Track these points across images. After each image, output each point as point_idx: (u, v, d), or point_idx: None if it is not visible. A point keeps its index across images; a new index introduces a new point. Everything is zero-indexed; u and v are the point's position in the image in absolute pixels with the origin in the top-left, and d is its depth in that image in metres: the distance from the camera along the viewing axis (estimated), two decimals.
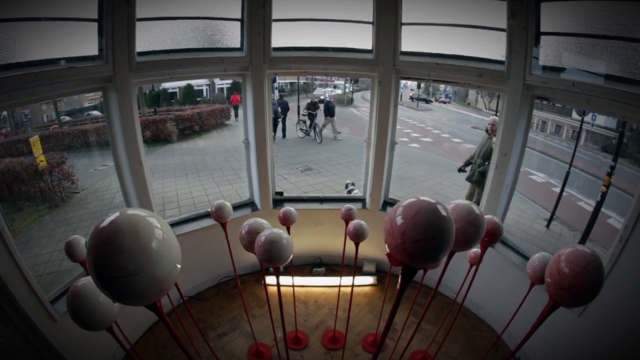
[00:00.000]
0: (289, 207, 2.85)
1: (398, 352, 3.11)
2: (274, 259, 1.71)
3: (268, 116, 3.88)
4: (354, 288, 3.05)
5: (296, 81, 23.11)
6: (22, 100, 2.52)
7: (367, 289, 4.32)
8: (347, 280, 3.55)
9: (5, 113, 8.05)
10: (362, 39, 3.62)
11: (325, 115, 13.42)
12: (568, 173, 7.19)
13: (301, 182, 8.78)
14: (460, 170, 5.58)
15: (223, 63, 3.48)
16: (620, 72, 2.55)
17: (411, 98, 24.59)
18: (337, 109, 19.03)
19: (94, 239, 0.94)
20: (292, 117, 16.56)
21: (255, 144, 3.94)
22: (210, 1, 3.28)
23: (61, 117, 11.47)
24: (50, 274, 4.49)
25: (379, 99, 3.77)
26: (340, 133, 13.66)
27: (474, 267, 2.59)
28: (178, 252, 1.05)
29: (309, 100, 14.05)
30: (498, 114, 4.02)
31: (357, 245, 2.77)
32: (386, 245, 1.11)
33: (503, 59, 3.15)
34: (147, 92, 16.45)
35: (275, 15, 3.42)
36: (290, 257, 1.78)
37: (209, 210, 2.72)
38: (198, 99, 19.30)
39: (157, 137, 12.31)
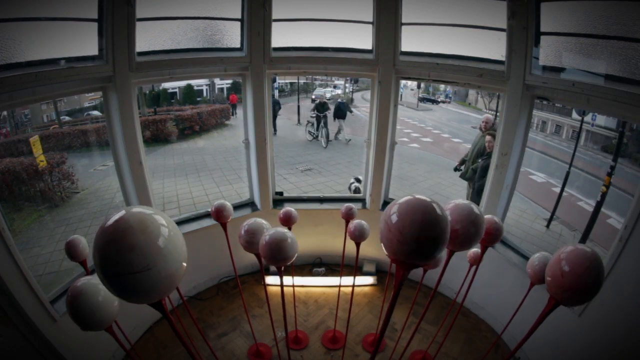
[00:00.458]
0: (289, 208, 2.85)
1: (398, 352, 3.10)
2: (280, 258, 1.71)
3: (268, 116, 3.88)
4: (354, 288, 3.05)
5: (296, 81, 23.10)
6: (22, 100, 2.52)
7: (367, 289, 4.32)
8: (347, 280, 3.55)
9: (5, 113, 8.05)
10: (362, 39, 3.62)
11: (335, 118, 12.53)
12: (568, 173, 7.20)
13: (301, 182, 8.78)
14: (456, 169, 5.61)
15: (223, 63, 3.48)
16: (620, 72, 2.55)
17: (419, 99, 24.53)
18: None
19: (101, 237, 0.94)
20: (292, 117, 16.59)
21: (255, 144, 3.95)
22: (210, 1, 3.28)
23: (61, 117, 11.48)
24: (50, 274, 4.49)
25: (379, 99, 3.77)
26: (350, 140, 12.70)
27: (474, 267, 2.59)
28: (185, 249, 1.07)
29: (317, 101, 13.07)
30: (498, 113, 4.03)
31: (358, 245, 2.77)
32: (382, 245, 1.12)
33: (503, 59, 3.15)
34: (147, 92, 16.46)
35: (275, 15, 3.42)
36: (295, 256, 1.77)
37: (209, 210, 2.72)
38: (198, 99, 19.29)
39: (157, 137, 12.31)
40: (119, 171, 3.33)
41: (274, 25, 3.47)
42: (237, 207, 4.29)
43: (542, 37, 2.91)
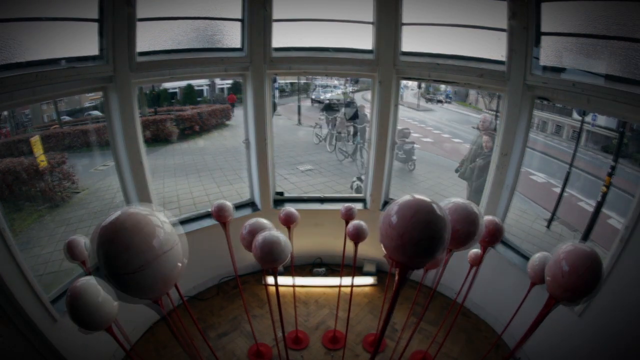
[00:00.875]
0: (290, 208, 2.85)
1: (398, 352, 3.10)
2: (271, 260, 1.71)
3: (268, 116, 3.88)
4: (355, 288, 3.05)
5: (296, 81, 23.07)
6: (22, 100, 2.52)
7: (367, 289, 4.32)
8: (347, 280, 3.55)
9: (5, 113, 8.05)
10: (362, 39, 3.62)
11: (349, 120, 11.23)
12: (568, 173, 7.19)
13: (302, 182, 8.78)
14: (458, 170, 5.62)
15: (223, 63, 3.48)
16: (621, 72, 2.55)
17: (427, 100, 24.47)
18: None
19: (104, 235, 0.95)
20: (292, 117, 16.58)
21: (255, 144, 3.95)
22: (211, 1, 3.28)
23: (62, 117, 11.47)
24: (51, 274, 4.48)
25: (380, 99, 3.77)
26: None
27: (474, 268, 2.59)
28: (179, 249, 1.08)
29: (326, 101, 12.34)
30: (498, 114, 4.03)
31: (356, 245, 2.77)
32: (382, 246, 1.11)
33: (503, 59, 3.14)
34: (148, 92, 16.45)
35: (275, 15, 3.42)
36: (288, 258, 1.77)
37: (210, 210, 2.72)
38: (198, 99, 19.28)
39: (157, 137, 12.30)
40: (119, 171, 3.33)
41: (275, 25, 3.47)
42: (237, 207, 4.28)
43: (543, 37, 2.91)
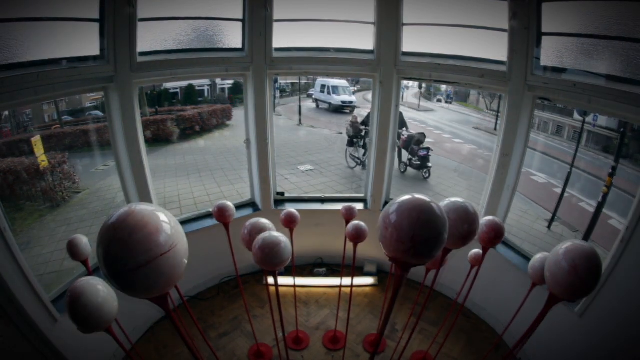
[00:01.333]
0: (291, 209, 2.85)
1: (399, 352, 3.10)
2: (272, 263, 1.71)
3: (269, 116, 3.88)
4: (355, 288, 3.05)
5: (297, 81, 23.05)
6: (24, 100, 2.52)
7: (368, 289, 4.31)
8: (347, 280, 3.54)
9: (6, 113, 8.06)
10: (363, 39, 3.62)
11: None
12: (569, 174, 7.18)
13: (302, 182, 8.78)
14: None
15: (224, 63, 3.48)
16: (622, 72, 2.55)
17: (438, 100, 24.46)
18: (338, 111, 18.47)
19: (106, 233, 0.96)
20: (293, 118, 16.58)
21: (256, 144, 3.95)
22: (212, 1, 3.29)
23: (62, 117, 11.49)
24: (52, 273, 4.49)
25: (380, 100, 3.77)
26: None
27: (475, 268, 2.59)
28: (186, 246, 1.10)
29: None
30: (499, 114, 4.03)
31: (355, 245, 2.77)
32: (381, 244, 1.12)
33: (504, 59, 3.14)
34: (149, 92, 16.47)
35: (276, 15, 3.42)
36: (289, 260, 1.77)
37: (211, 210, 2.73)
38: (199, 99, 19.30)
39: (158, 137, 12.33)
40: (120, 171, 3.33)
41: (275, 25, 3.47)
42: (238, 207, 4.28)
43: (544, 38, 2.91)
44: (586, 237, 5.82)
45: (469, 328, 3.73)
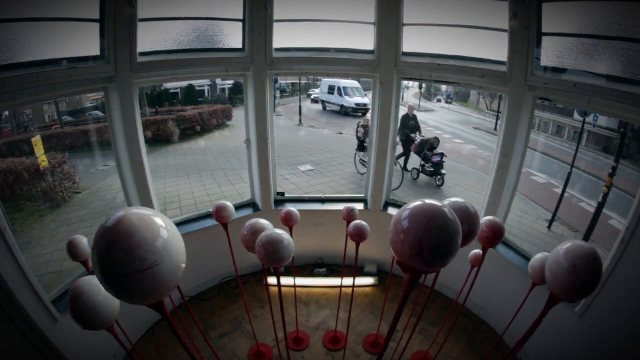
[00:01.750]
0: (290, 207, 2.85)
1: (399, 352, 3.10)
2: (275, 260, 1.72)
3: (269, 117, 3.88)
4: (355, 288, 3.05)
5: (297, 81, 23.04)
6: (24, 100, 2.52)
7: (368, 289, 4.31)
8: (348, 280, 3.55)
9: (7, 113, 8.07)
10: (363, 39, 3.62)
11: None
12: (569, 174, 7.18)
13: (303, 182, 8.78)
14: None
15: (224, 63, 3.48)
16: (622, 72, 2.54)
17: (439, 100, 24.48)
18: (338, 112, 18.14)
19: (104, 237, 0.95)
20: (293, 118, 16.59)
21: (256, 144, 3.95)
22: (212, 1, 3.29)
23: (63, 117, 11.50)
24: (52, 273, 4.50)
25: (381, 100, 3.77)
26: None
27: (475, 268, 2.59)
28: (184, 250, 1.09)
29: (360, 123, 9.46)
30: (499, 114, 4.02)
31: (357, 245, 2.77)
32: (392, 250, 1.10)
33: (504, 59, 3.14)
34: (149, 92, 16.48)
35: (276, 15, 3.42)
36: (291, 257, 1.78)
37: (211, 210, 2.73)
38: (199, 99, 19.32)
39: (158, 137, 12.35)
40: (120, 171, 3.33)
41: (276, 25, 3.47)
42: (238, 207, 4.29)
43: (544, 38, 2.91)
44: (586, 237, 5.82)
45: (469, 328, 3.73)
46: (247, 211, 4.31)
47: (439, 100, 24.88)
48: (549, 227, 6.68)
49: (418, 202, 1.07)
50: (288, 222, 2.82)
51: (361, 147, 9.40)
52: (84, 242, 2.18)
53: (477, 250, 2.53)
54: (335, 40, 3.70)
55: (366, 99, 17.15)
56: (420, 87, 24.11)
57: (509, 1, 2.91)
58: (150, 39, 3.12)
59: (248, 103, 3.86)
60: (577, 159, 8.25)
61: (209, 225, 3.96)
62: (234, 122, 15.63)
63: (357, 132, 9.72)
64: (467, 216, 1.51)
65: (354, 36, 3.66)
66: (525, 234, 6.29)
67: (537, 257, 2.01)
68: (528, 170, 9.27)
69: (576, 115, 11.49)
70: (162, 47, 3.22)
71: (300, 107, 16.42)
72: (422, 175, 8.85)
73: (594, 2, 2.63)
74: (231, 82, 20.29)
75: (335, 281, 4.26)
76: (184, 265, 1.07)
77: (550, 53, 2.93)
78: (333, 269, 4.57)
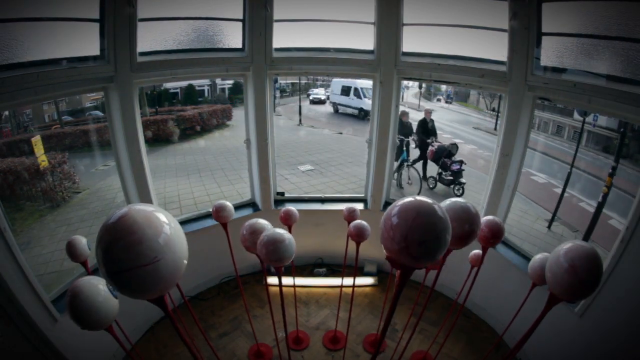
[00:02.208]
0: (290, 207, 2.85)
1: (399, 352, 3.10)
2: (276, 259, 1.72)
3: (269, 117, 3.88)
4: (355, 288, 3.05)
5: (297, 81, 23.02)
6: (24, 100, 2.52)
7: (368, 289, 4.31)
8: (348, 280, 3.55)
9: (6, 113, 8.07)
10: (363, 39, 3.62)
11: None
12: (569, 174, 7.19)
13: (303, 182, 8.78)
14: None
15: (224, 63, 3.48)
16: (622, 72, 2.54)
17: (439, 100, 24.49)
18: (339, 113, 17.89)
19: (107, 233, 0.96)
20: (293, 118, 16.59)
21: (256, 144, 3.95)
22: (212, 1, 3.29)
23: (63, 117, 11.50)
24: (52, 273, 4.49)
25: (381, 100, 3.77)
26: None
27: (475, 268, 2.59)
28: (186, 247, 1.11)
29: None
30: (499, 114, 4.03)
31: (358, 245, 2.77)
32: (382, 247, 1.11)
33: (505, 59, 3.14)
34: (149, 92, 16.49)
35: (276, 15, 3.42)
36: (292, 257, 1.78)
37: (210, 210, 2.73)
38: (199, 99, 19.32)
39: (158, 137, 12.35)
40: (120, 171, 3.33)
41: (276, 25, 3.47)
42: (238, 207, 4.29)
43: (544, 38, 2.91)
44: (586, 237, 5.82)
45: (469, 328, 3.73)
46: (247, 211, 4.31)
47: (439, 100, 24.93)
48: (549, 227, 6.68)
49: (409, 199, 1.08)
50: (287, 221, 2.82)
51: (422, 156, 8.39)
52: (83, 242, 2.18)
53: (477, 251, 2.53)
54: (335, 40, 3.70)
55: None
56: (420, 87, 24.12)
57: (509, 1, 2.91)
58: (150, 39, 3.12)
59: (248, 103, 3.86)
60: (577, 159, 8.24)
61: (208, 225, 3.95)
62: (234, 122, 15.62)
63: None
64: (468, 216, 1.51)
65: (354, 36, 3.66)
66: (525, 234, 6.29)
67: (537, 257, 2.01)
68: (528, 170, 9.26)
69: (576, 115, 11.49)
70: (162, 47, 3.22)
71: (300, 107, 16.42)
72: (439, 185, 8.27)
73: (594, 2, 2.63)
74: (231, 82, 20.28)
75: (335, 281, 4.26)
76: (185, 262, 1.08)
77: (550, 53, 2.93)
78: (333, 269, 4.57)
